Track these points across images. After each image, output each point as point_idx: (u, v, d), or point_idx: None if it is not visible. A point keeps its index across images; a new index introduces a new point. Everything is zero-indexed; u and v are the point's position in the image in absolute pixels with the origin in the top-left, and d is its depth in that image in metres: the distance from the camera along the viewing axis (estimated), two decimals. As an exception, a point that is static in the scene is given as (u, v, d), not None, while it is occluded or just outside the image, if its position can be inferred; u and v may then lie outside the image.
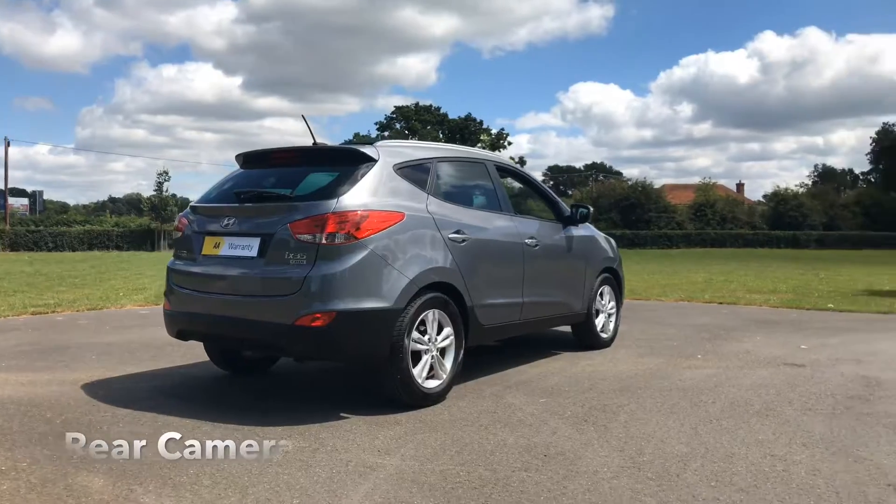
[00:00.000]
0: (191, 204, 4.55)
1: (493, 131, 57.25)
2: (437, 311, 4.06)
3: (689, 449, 3.22)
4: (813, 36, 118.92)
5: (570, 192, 63.41)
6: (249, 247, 3.91)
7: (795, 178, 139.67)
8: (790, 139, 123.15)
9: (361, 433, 3.47)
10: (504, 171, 5.26)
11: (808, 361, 5.40)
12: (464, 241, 4.30)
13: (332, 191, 3.84)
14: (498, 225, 4.75)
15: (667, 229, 46.36)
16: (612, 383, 4.62)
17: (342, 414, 3.81)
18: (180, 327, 4.24)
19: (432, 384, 4.06)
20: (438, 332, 4.10)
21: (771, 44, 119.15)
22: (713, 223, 47.59)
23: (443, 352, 4.14)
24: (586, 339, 5.93)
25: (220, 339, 4.36)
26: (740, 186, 72.67)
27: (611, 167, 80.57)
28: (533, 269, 4.97)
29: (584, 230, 5.84)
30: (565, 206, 5.68)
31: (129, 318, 8.10)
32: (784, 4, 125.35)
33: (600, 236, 6.16)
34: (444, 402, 4.08)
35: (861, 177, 73.61)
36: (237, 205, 4.07)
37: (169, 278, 4.38)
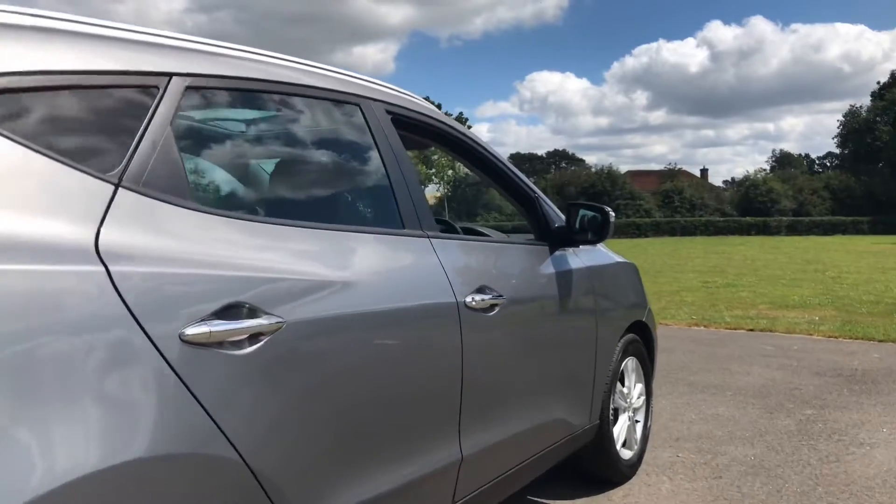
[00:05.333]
0: None
1: (452, 116, 54.06)
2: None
3: None
4: (759, 25, 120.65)
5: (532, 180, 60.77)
6: None
7: (750, 163, 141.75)
8: (742, 125, 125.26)
9: None
10: (413, 126, 2.20)
11: None
12: (259, 335, 1.33)
13: None
14: (385, 265, 1.80)
15: (635, 217, 44.13)
16: None
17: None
18: None
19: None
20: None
21: (719, 33, 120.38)
22: (682, 210, 45.57)
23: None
24: (594, 467, 2.98)
25: None
26: (704, 172, 71.28)
27: (573, 154, 78.24)
28: (484, 364, 2.04)
29: (592, 256, 2.93)
30: (554, 210, 2.74)
31: None
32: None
33: (620, 265, 3.21)
34: None
35: (818, 161, 72.84)
36: None
37: None
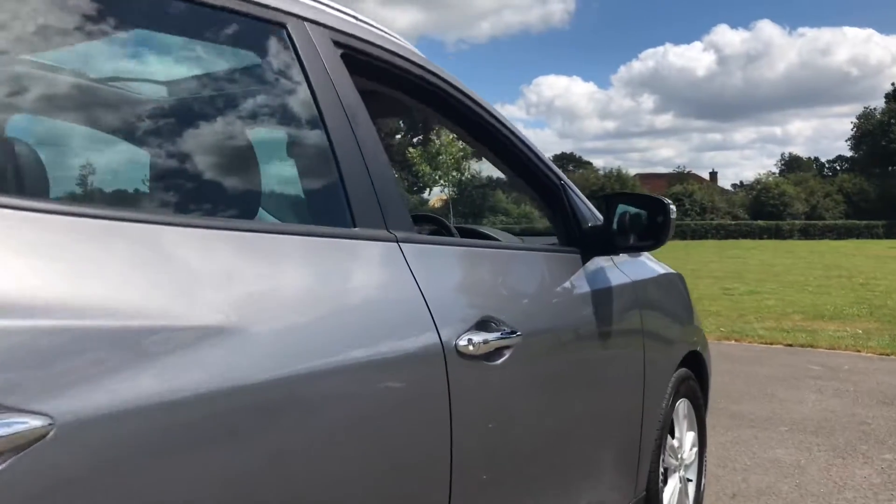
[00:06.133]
0: None
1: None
2: None
3: None
4: (766, 29, 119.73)
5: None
6: None
7: (758, 167, 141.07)
8: (750, 129, 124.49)
9: None
10: (377, 70, 1.42)
11: None
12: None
13: None
14: (305, 288, 1.03)
15: (644, 221, 43.25)
16: None
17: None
18: None
19: None
20: None
21: (726, 37, 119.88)
22: (692, 213, 44.67)
23: None
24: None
25: None
26: (714, 175, 70.28)
27: (580, 157, 77.32)
28: (488, 446, 1.28)
29: (634, 266, 2.14)
30: (586, 204, 1.95)
31: None
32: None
33: (668, 278, 2.41)
34: None
35: (827, 164, 71.79)
36: None
37: None
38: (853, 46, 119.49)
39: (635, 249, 1.90)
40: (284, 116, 1.31)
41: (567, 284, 1.72)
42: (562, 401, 1.61)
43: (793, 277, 13.92)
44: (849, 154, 59.63)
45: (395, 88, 1.56)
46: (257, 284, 0.93)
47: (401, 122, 53.99)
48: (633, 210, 1.87)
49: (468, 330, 1.25)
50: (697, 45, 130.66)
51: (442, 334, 1.19)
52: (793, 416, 4.09)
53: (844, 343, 6.42)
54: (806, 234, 42.54)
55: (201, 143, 1.24)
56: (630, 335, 1.95)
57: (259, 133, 1.37)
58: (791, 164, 71.77)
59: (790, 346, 6.45)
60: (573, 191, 1.91)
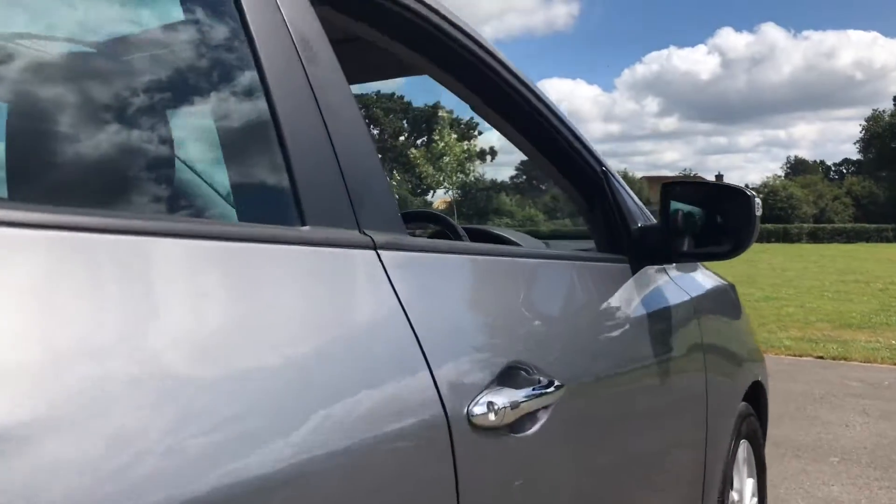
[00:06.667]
0: None
1: (462, 123, 52.70)
2: None
3: None
4: (771, 32, 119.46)
5: (542, 187, 59.23)
6: None
7: (762, 170, 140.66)
8: (754, 132, 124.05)
9: None
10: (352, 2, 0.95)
11: None
12: None
13: None
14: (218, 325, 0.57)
15: (650, 224, 42.84)
16: None
17: None
18: None
19: None
20: None
21: (730, 40, 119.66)
22: (699, 217, 44.27)
23: None
24: None
25: None
26: (719, 178, 69.91)
27: (585, 159, 76.58)
28: None
29: (690, 278, 1.65)
30: (633, 198, 1.49)
31: None
32: (741, 1, 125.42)
33: (725, 291, 1.91)
34: None
35: (833, 168, 71.29)
36: None
37: None
38: (858, 49, 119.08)
39: (705, 257, 1.45)
40: (202, 63, 0.86)
41: (617, 304, 1.26)
42: (610, 467, 1.15)
43: (808, 282, 13.45)
44: (855, 157, 59.15)
45: (385, 34, 1.11)
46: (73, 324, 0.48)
47: (404, 124, 53.60)
48: (686, 208, 1.43)
49: (487, 387, 0.80)
50: (702, 48, 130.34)
51: (445, 396, 0.74)
52: (841, 443, 3.62)
53: (880, 356, 5.94)
54: (814, 237, 41.98)
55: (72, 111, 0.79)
56: (691, 370, 1.49)
57: (159, 89, 0.91)
58: (797, 168, 71.27)
59: (821, 358, 5.98)
60: (617, 180, 1.46)
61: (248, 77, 0.77)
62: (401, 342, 0.73)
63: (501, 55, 1.22)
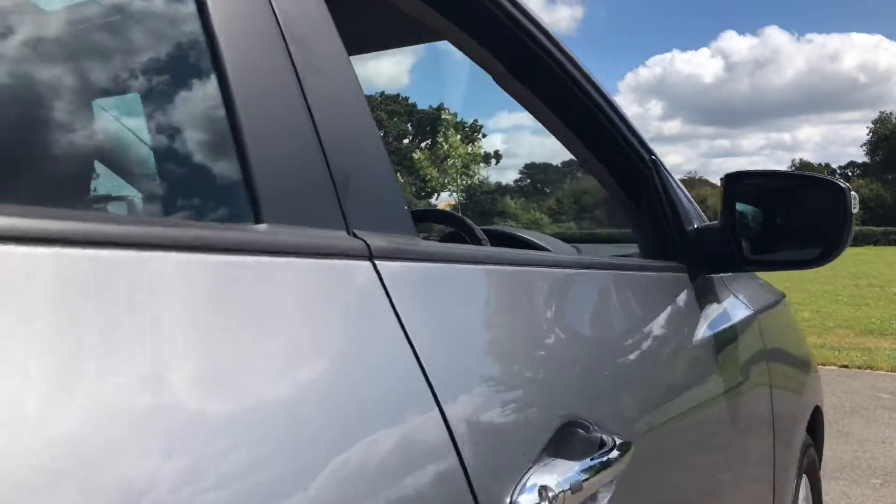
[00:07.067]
0: None
1: (466, 125, 52.40)
2: None
3: None
4: (774, 35, 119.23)
5: (547, 190, 58.98)
6: None
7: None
8: (758, 136, 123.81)
9: None
10: None
11: None
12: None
13: None
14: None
15: (655, 227, 42.71)
16: None
17: None
18: None
19: None
20: None
21: (733, 43, 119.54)
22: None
23: None
24: None
25: None
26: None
27: (589, 162, 76.53)
28: None
29: (749, 289, 1.38)
30: (684, 192, 1.22)
31: None
32: (744, 4, 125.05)
33: (782, 304, 1.65)
34: None
35: (839, 171, 70.99)
36: None
37: None
38: (862, 52, 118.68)
39: (787, 266, 1.19)
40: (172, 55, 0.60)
41: (680, 324, 1.00)
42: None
43: (821, 286, 13.17)
44: (861, 160, 58.79)
45: None
46: None
47: (404, 129, 53.55)
48: (749, 210, 1.18)
49: (536, 460, 0.55)
50: (705, 51, 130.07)
51: (475, 481, 0.49)
52: (882, 462, 3.35)
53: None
54: (821, 240, 41.65)
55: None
56: (759, 401, 1.22)
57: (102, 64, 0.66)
58: (802, 171, 70.88)
59: (846, 367, 5.71)
60: (668, 173, 1.21)
61: (196, 31, 0.52)
62: (410, 399, 0.48)
63: (533, 11, 0.96)
